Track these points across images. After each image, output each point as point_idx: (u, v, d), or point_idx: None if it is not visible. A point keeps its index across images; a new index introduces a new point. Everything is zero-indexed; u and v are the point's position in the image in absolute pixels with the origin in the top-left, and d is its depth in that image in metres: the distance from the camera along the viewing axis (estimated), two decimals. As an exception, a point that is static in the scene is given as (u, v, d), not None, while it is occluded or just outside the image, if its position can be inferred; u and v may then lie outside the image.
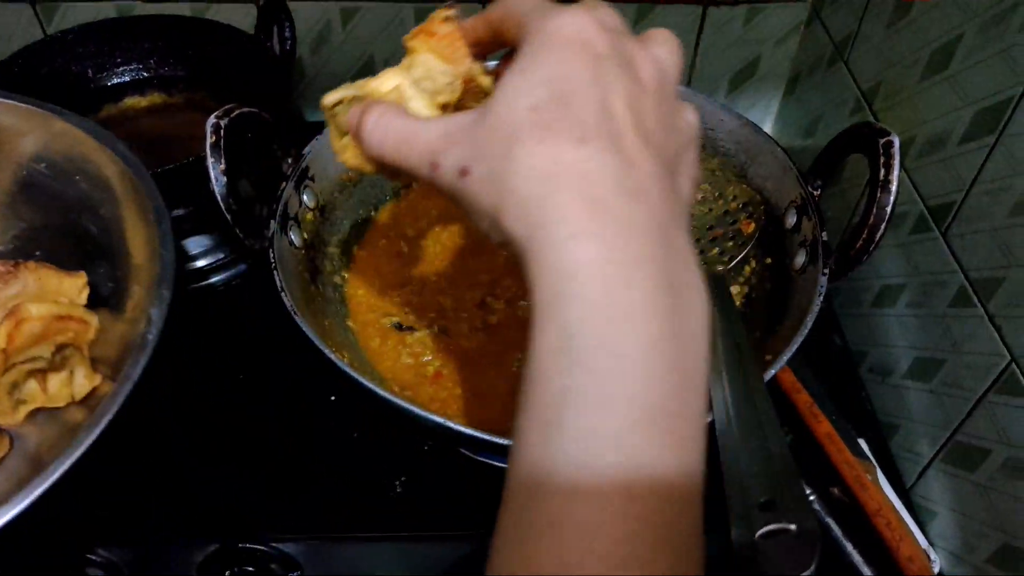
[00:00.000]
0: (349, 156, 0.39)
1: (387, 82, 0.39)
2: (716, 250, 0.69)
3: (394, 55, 0.98)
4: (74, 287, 0.59)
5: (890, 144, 0.56)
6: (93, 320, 0.56)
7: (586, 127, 0.29)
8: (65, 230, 0.63)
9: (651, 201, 0.29)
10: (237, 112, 0.60)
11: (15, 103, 0.64)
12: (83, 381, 0.54)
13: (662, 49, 0.34)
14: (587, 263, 0.28)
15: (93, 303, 0.59)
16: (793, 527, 0.38)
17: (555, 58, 0.31)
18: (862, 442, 0.70)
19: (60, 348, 0.53)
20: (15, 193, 0.65)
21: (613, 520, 0.26)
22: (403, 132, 0.35)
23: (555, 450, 0.27)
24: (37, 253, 0.62)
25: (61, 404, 0.53)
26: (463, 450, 0.64)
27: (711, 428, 0.48)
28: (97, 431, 0.45)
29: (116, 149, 0.60)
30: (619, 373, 0.27)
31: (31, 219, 0.64)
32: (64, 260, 0.61)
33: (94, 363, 0.56)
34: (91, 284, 0.60)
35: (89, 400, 0.55)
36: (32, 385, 0.51)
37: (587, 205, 0.28)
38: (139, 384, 0.48)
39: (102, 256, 0.61)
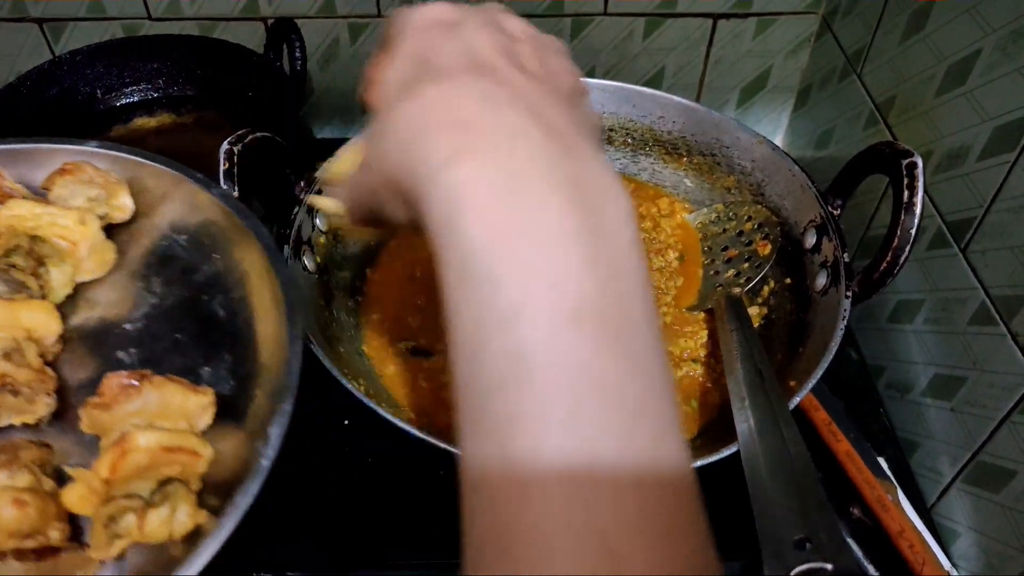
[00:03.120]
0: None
1: (344, 162, 0.42)
2: (732, 272, 0.68)
3: (402, 71, 0.97)
4: (199, 406, 0.54)
5: (914, 165, 0.55)
6: (206, 452, 0.52)
7: (449, 69, 0.31)
8: (194, 312, 0.60)
9: (535, 108, 0.29)
10: (250, 137, 0.59)
11: (161, 167, 0.63)
12: (185, 519, 0.49)
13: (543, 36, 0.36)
14: (468, 180, 0.27)
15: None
16: (830, 567, 0.37)
17: (412, 39, 0.33)
18: (882, 461, 0.69)
19: (164, 483, 0.50)
20: (152, 264, 0.62)
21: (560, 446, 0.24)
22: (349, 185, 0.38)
23: (484, 378, 0.26)
24: (163, 342, 0.59)
25: (157, 541, 0.49)
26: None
27: (738, 458, 0.48)
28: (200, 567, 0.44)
29: (259, 232, 0.58)
30: (531, 276, 0.25)
31: (163, 295, 0.61)
32: (189, 347, 0.58)
33: (203, 485, 0.52)
34: (211, 379, 0.56)
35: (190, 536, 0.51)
36: (130, 520, 0.49)
37: (456, 127, 0.28)
38: (245, 519, 0.46)
39: (228, 346, 0.57)
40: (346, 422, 0.69)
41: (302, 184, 0.66)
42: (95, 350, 0.58)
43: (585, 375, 0.25)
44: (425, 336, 0.67)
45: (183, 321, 0.59)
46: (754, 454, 0.46)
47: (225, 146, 0.58)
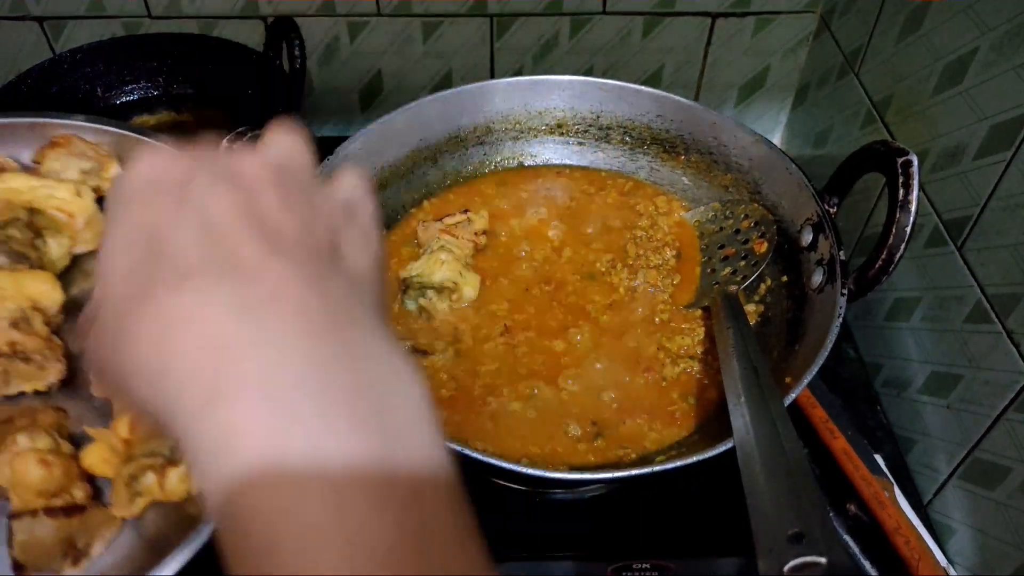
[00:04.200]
0: None
1: None
2: (729, 269, 0.68)
3: (401, 69, 0.98)
4: None
5: (909, 164, 0.55)
6: None
7: (187, 265, 0.26)
8: None
9: (296, 296, 0.25)
10: (249, 135, 0.59)
11: (148, 140, 0.65)
12: None
13: (273, 146, 0.31)
14: (233, 425, 0.23)
15: None
16: (823, 561, 0.37)
17: (135, 211, 0.28)
18: (878, 458, 0.69)
19: None
20: None
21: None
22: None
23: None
24: None
25: (177, 499, 0.51)
26: (479, 472, 0.64)
27: (734, 454, 0.48)
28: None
29: None
30: (315, 552, 0.23)
31: None
32: None
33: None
34: None
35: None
36: (150, 478, 0.50)
37: (209, 356, 0.24)
38: None
39: None
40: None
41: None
42: None
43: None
44: (424, 336, 0.67)
45: None
46: (749, 450, 0.46)
47: (224, 144, 0.58)
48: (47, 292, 0.57)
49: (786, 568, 0.38)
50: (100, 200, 0.63)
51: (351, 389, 0.25)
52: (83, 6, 0.92)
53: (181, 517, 0.51)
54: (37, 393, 0.55)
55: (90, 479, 0.52)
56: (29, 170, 0.63)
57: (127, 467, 0.50)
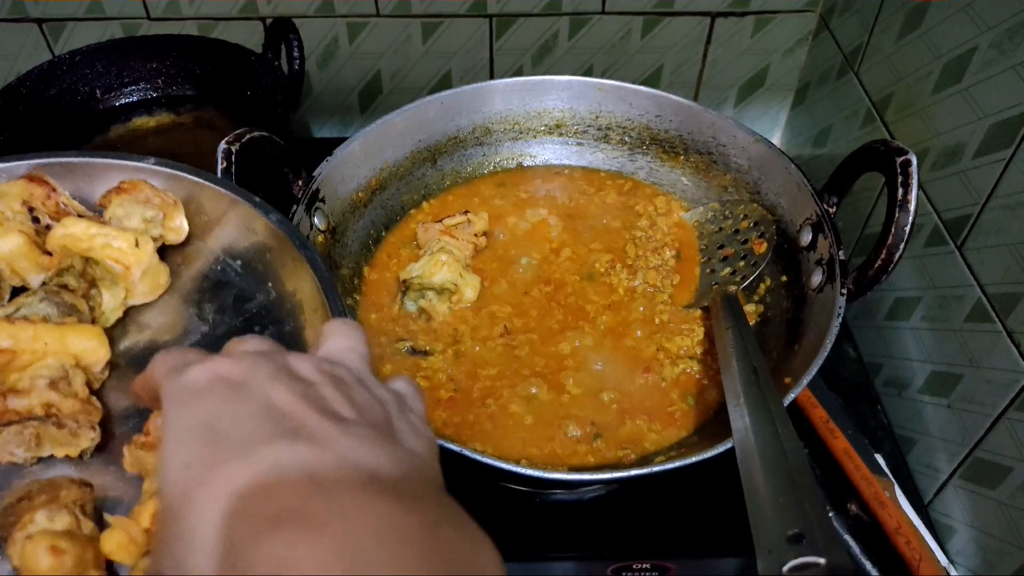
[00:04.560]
0: None
1: None
2: (728, 270, 0.68)
3: (401, 70, 0.98)
4: None
5: (908, 163, 0.55)
6: None
7: (253, 440, 0.26)
8: None
9: (366, 467, 0.26)
10: (248, 137, 0.59)
11: (219, 189, 0.60)
12: None
13: (334, 342, 0.33)
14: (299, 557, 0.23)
15: None
16: (823, 561, 0.37)
17: (190, 408, 0.28)
18: (879, 457, 0.69)
19: None
20: (205, 289, 0.60)
21: None
22: None
23: None
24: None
25: None
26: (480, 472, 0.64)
27: (734, 455, 0.48)
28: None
29: (314, 262, 0.56)
30: None
31: (215, 323, 0.58)
32: None
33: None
34: None
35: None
36: None
37: (287, 525, 0.24)
38: None
39: None
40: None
41: (299, 183, 0.66)
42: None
43: None
44: (423, 336, 0.67)
45: None
46: (749, 450, 0.46)
47: (223, 145, 0.58)
48: (93, 349, 0.54)
49: (785, 568, 0.37)
50: (162, 250, 0.61)
51: (426, 552, 0.25)
52: (82, 8, 0.92)
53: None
54: (67, 457, 0.51)
55: (108, 564, 0.48)
56: (93, 213, 0.61)
57: (146, 558, 0.48)
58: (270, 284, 0.59)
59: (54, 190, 0.59)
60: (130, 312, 0.59)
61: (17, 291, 0.58)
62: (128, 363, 0.56)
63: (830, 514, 0.65)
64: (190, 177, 0.60)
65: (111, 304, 0.58)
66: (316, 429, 0.27)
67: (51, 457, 0.51)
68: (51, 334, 0.53)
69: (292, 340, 0.57)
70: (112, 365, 0.55)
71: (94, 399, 0.52)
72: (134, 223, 0.59)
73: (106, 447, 0.52)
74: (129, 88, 0.92)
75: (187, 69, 0.92)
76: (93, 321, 0.56)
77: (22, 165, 0.60)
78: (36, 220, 0.59)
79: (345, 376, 0.31)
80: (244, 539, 0.24)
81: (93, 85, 0.90)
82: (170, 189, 0.61)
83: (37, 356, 0.52)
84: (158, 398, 0.31)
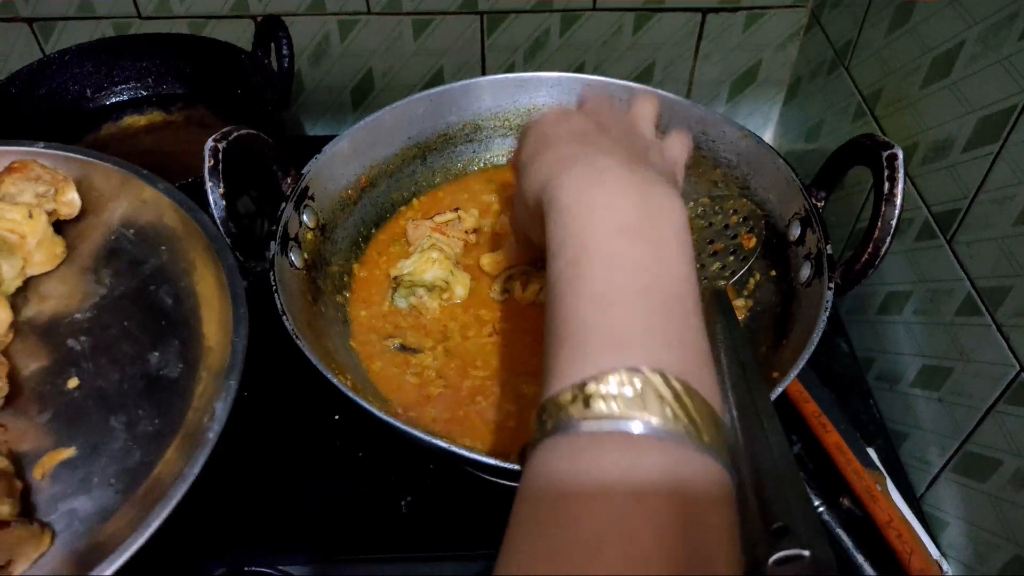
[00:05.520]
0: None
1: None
2: (717, 265, 0.68)
3: (392, 67, 0.97)
4: None
5: (894, 157, 0.55)
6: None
7: (558, 139, 0.48)
8: (142, 302, 0.63)
9: (614, 150, 0.46)
10: (235, 135, 0.59)
11: (109, 165, 0.66)
12: None
13: (638, 107, 0.57)
14: (566, 180, 0.43)
15: (161, 385, 0.59)
16: (807, 554, 0.37)
17: (536, 131, 0.51)
18: (871, 451, 0.69)
19: None
20: (101, 258, 0.65)
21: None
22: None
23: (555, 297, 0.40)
24: (112, 331, 0.62)
25: None
26: (468, 468, 0.64)
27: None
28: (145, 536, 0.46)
29: (202, 223, 0.61)
30: (593, 208, 0.41)
31: (112, 286, 0.64)
32: (138, 333, 0.61)
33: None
34: (160, 364, 0.60)
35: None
36: None
37: (562, 161, 0.45)
38: (195, 483, 0.48)
39: (175, 333, 0.61)
40: (336, 417, 0.69)
41: (288, 181, 0.66)
42: (46, 339, 0.61)
43: (638, 272, 0.38)
44: (413, 333, 0.67)
45: (132, 311, 0.63)
46: (734, 444, 0.46)
47: (210, 143, 0.58)
48: None
49: (770, 561, 0.37)
50: (59, 225, 0.65)
51: (636, 182, 0.42)
52: (73, 7, 0.92)
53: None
54: None
55: (23, 495, 0.51)
56: None
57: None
58: (163, 247, 0.65)
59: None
60: (31, 283, 0.64)
61: None
62: (32, 329, 0.61)
63: (821, 508, 0.65)
64: (78, 156, 0.66)
65: (10, 273, 0.62)
66: (594, 137, 0.48)
67: None
68: None
69: (187, 295, 0.62)
70: (16, 330, 0.60)
71: (1, 356, 0.57)
72: (26, 198, 0.63)
73: (16, 402, 0.57)
74: (119, 87, 0.92)
75: (177, 68, 0.91)
76: None
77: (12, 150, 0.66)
78: None
79: (630, 130, 0.53)
80: (542, 172, 0.46)
81: (83, 84, 0.90)
82: (61, 168, 0.66)
83: None
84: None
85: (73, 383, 0.58)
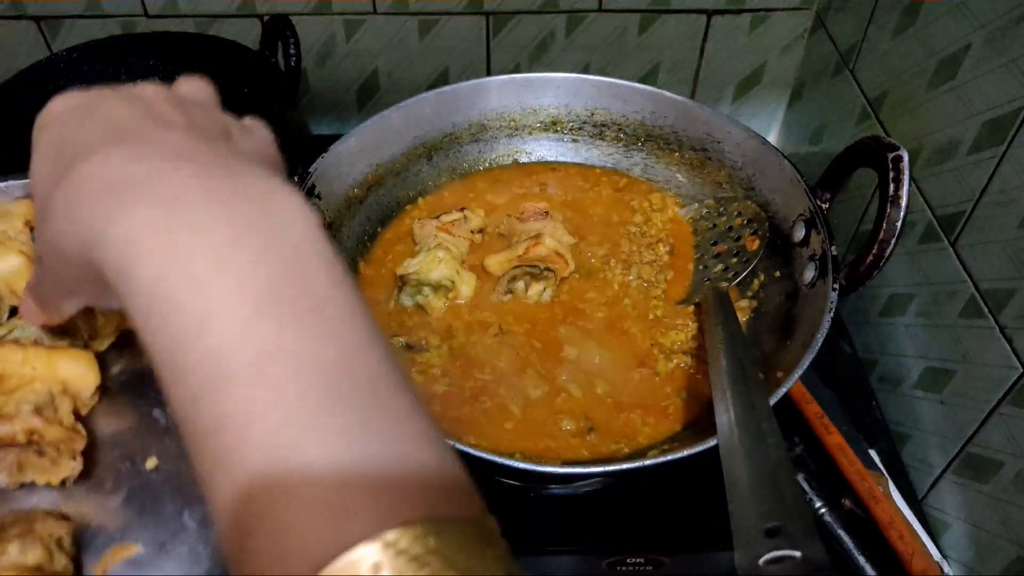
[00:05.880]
0: None
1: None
2: (721, 267, 0.69)
3: (398, 67, 0.98)
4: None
5: (899, 159, 0.56)
6: None
7: (91, 145, 0.31)
8: None
9: (182, 152, 0.30)
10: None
11: None
12: None
13: (180, 86, 0.38)
14: (131, 230, 0.28)
15: None
16: (798, 554, 0.38)
17: (48, 131, 0.34)
18: (873, 453, 0.69)
19: None
20: None
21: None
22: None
23: (189, 389, 0.26)
24: None
25: None
26: (471, 467, 0.64)
27: (716, 451, 0.48)
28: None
29: None
30: (207, 288, 0.27)
31: None
32: None
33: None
34: None
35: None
36: None
37: (110, 190, 0.29)
38: None
39: None
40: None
41: (295, 179, 0.66)
42: (132, 403, 0.55)
43: (282, 353, 0.26)
44: (418, 332, 0.68)
45: None
46: (731, 445, 0.47)
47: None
48: (83, 375, 0.53)
49: (761, 561, 0.38)
50: None
51: (230, 192, 0.29)
52: (80, 5, 0.92)
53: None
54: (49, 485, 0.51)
55: None
56: None
57: None
58: None
59: None
60: (125, 335, 0.58)
61: (15, 311, 0.57)
62: (120, 388, 0.55)
63: (823, 509, 0.65)
64: None
65: (107, 329, 0.57)
66: (146, 133, 0.31)
67: (34, 483, 0.50)
68: (40, 359, 0.52)
69: None
70: (103, 389, 0.54)
71: (79, 426, 0.52)
72: None
73: (91, 475, 0.52)
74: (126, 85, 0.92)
75: (184, 67, 0.90)
76: (86, 346, 0.55)
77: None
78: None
79: (187, 97, 0.36)
80: (80, 209, 0.29)
81: (90, 82, 0.90)
82: None
83: (25, 381, 0.51)
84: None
85: (152, 463, 0.53)
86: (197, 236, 0.27)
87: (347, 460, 0.25)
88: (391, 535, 0.23)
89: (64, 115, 0.34)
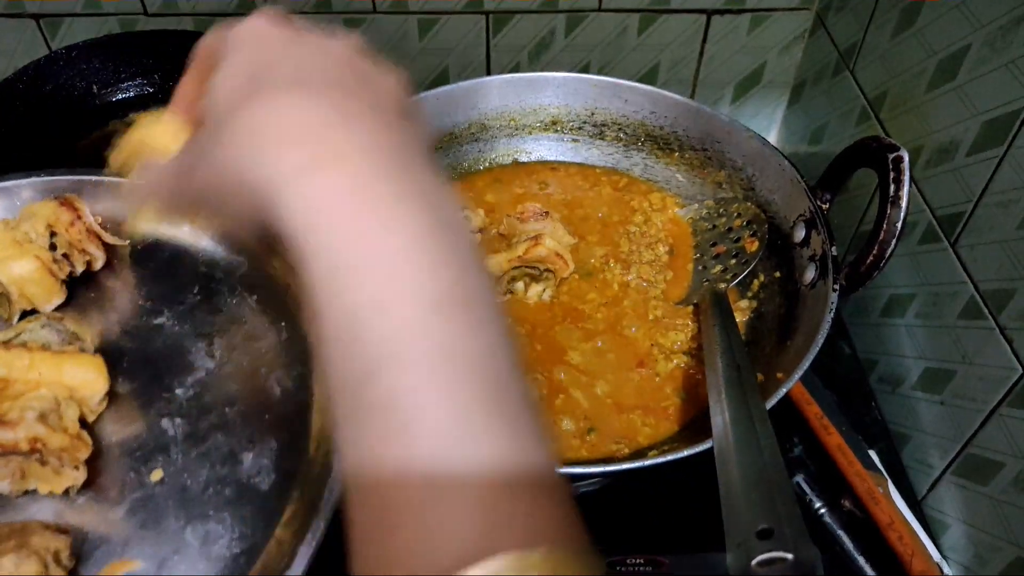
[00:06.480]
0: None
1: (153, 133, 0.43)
2: (720, 267, 0.69)
3: (398, 66, 0.97)
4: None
5: (899, 159, 0.56)
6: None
7: (289, 81, 0.32)
8: (251, 384, 0.56)
9: (372, 128, 0.31)
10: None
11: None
12: None
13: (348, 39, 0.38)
14: (325, 189, 0.28)
15: (248, 497, 0.51)
16: (791, 556, 0.38)
17: (247, 49, 0.34)
18: (873, 454, 0.69)
19: None
20: (220, 323, 0.59)
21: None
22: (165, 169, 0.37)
23: (358, 367, 0.27)
24: (211, 417, 0.54)
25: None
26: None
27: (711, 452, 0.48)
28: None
29: None
30: (393, 273, 0.28)
31: (221, 360, 0.57)
32: (237, 425, 0.54)
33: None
34: (252, 469, 0.52)
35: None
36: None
37: (306, 139, 0.29)
38: None
39: (276, 431, 0.53)
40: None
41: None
42: (141, 412, 0.55)
43: (456, 354, 0.27)
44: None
45: (236, 393, 0.56)
46: (725, 447, 0.47)
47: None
48: (91, 381, 0.52)
49: (753, 562, 0.38)
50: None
51: (415, 190, 0.30)
52: (79, 3, 0.92)
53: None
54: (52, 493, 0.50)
55: None
56: (113, 239, 0.61)
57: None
58: (283, 323, 0.58)
59: (79, 217, 0.58)
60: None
61: (25, 314, 0.57)
62: (129, 394, 0.55)
63: (823, 510, 0.65)
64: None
65: None
66: (337, 95, 0.32)
67: (36, 491, 0.50)
68: (47, 364, 0.51)
69: (299, 386, 0.55)
70: (112, 395, 0.54)
71: (84, 434, 0.51)
72: None
73: (94, 484, 0.51)
74: (126, 84, 0.92)
75: (184, 65, 0.91)
76: (95, 350, 0.55)
77: (62, 181, 0.60)
78: (53, 247, 0.57)
79: (359, 61, 0.37)
80: (268, 143, 0.30)
81: (90, 80, 0.90)
82: None
83: (30, 386, 0.51)
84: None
85: (157, 475, 0.52)
86: (390, 223, 0.28)
87: (500, 468, 0.26)
88: (536, 555, 0.24)
89: (268, 38, 0.35)
